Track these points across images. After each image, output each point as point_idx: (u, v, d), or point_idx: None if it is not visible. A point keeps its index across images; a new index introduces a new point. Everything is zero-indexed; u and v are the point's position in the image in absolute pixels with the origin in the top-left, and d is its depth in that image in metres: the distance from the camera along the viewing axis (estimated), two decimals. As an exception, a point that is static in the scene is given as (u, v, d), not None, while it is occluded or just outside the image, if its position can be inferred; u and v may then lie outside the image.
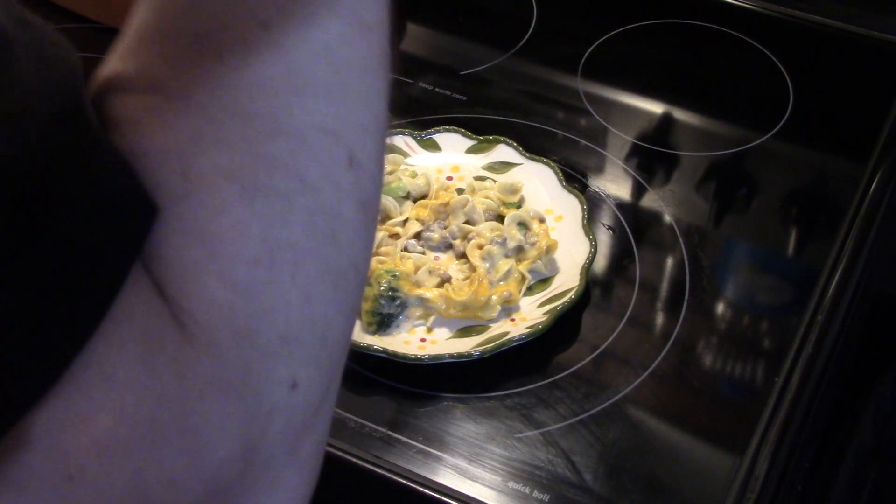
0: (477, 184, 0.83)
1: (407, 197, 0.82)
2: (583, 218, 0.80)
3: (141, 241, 0.32)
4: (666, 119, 0.95)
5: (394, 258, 0.76)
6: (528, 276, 0.77)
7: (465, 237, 0.79)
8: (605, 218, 0.84)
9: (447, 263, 0.78)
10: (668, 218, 0.84)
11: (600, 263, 0.81)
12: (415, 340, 0.74)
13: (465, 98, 0.96)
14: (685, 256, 0.81)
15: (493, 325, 0.75)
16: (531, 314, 0.75)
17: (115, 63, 0.34)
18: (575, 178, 0.87)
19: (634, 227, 0.83)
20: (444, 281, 0.76)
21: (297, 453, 0.35)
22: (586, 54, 1.01)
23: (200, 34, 0.33)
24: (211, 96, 0.32)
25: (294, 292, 0.33)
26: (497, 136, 0.88)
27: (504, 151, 0.87)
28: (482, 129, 0.89)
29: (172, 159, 0.32)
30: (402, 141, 0.88)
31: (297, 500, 0.36)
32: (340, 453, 0.67)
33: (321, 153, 0.34)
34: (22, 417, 0.29)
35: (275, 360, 0.33)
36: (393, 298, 0.74)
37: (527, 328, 0.73)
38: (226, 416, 0.32)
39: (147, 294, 0.32)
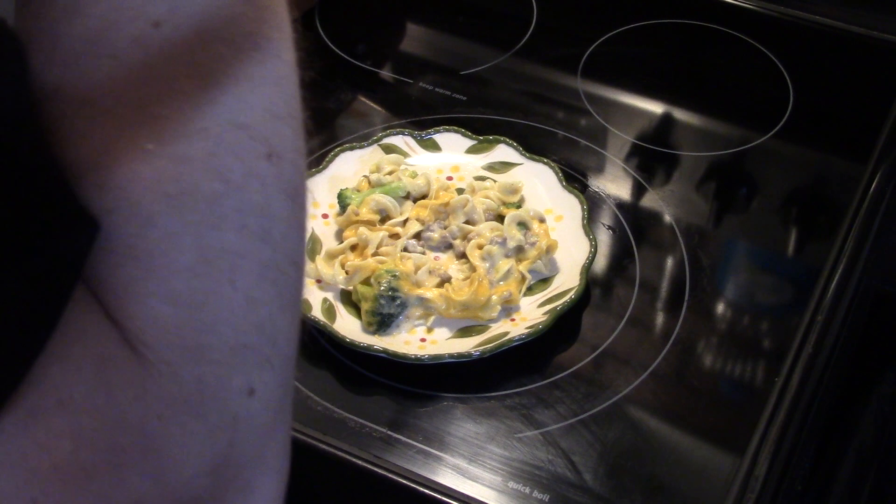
0: (477, 184, 0.83)
1: (407, 197, 0.82)
2: (583, 218, 0.80)
3: (82, 258, 0.31)
4: (666, 119, 0.96)
5: (394, 258, 0.76)
6: (528, 276, 0.77)
7: (465, 237, 0.79)
8: (605, 218, 0.84)
9: (447, 263, 0.78)
10: (668, 218, 0.84)
11: (600, 263, 0.81)
12: (415, 340, 0.74)
13: (465, 98, 0.96)
14: (685, 256, 0.81)
15: (493, 325, 0.75)
16: (531, 314, 0.75)
17: None
18: (575, 178, 0.87)
19: (634, 227, 0.83)
20: (444, 281, 0.76)
21: (263, 457, 0.35)
22: (586, 54, 1.01)
23: (90, 37, 0.31)
24: (116, 102, 0.31)
25: (236, 298, 0.32)
26: (497, 136, 0.88)
27: (504, 151, 0.87)
28: (482, 129, 0.89)
29: (88, 173, 0.31)
30: (402, 141, 0.88)
31: (270, 501, 0.36)
32: (340, 453, 0.67)
33: (238, 149, 0.33)
34: None
35: (229, 370, 0.32)
36: (393, 298, 0.74)
37: (527, 328, 0.73)
38: (188, 434, 0.32)
39: (97, 316, 0.31)
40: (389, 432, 0.69)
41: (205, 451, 0.32)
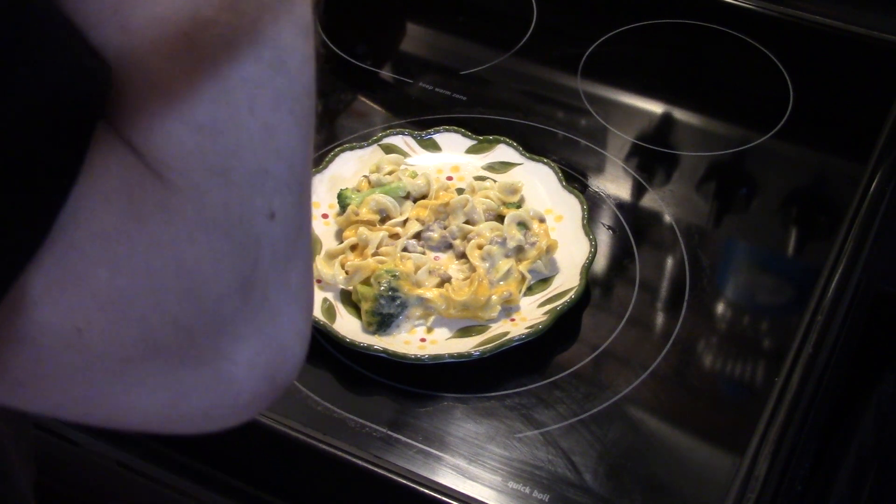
0: (477, 184, 0.83)
1: (407, 197, 0.82)
2: (583, 218, 0.80)
3: (100, 97, 0.33)
4: (666, 119, 0.96)
5: (394, 258, 0.76)
6: (529, 276, 0.77)
7: (465, 237, 0.79)
8: (605, 218, 0.84)
9: (447, 263, 0.78)
10: (668, 218, 0.84)
11: (600, 263, 0.81)
12: (415, 340, 0.74)
13: (465, 98, 0.96)
14: (685, 256, 0.81)
15: (493, 325, 0.75)
16: (531, 314, 0.75)
17: None
18: (575, 178, 0.87)
19: (634, 227, 0.83)
20: (444, 281, 0.76)
21: (287, 282, 0.37)
22: (586, 54, 1.01)
23: None
24: None
25: (255, 125, 0.35)
26: (497, 136, 0.88)
27: (504, 151, 0.87)
28: (482, 129, 0.89)
29: (109, 16, 0.33)
30: (402, 141, 0.88)
31: (297, 328, 0.38)
32: (340, 453, 0.67)
33: None
34: (18, 276, 0.31)
35: (251, 192, 0.35)
36: (393, 298, 0.74)
37: (527, 328, 0.73)
38: (217, 252, 0.34)
39: (120, 151, 0.33)
40: (389, 432, 0.69)
41: (233, 268, 0.34)
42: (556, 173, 0.84)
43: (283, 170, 0.36)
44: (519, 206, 0.82)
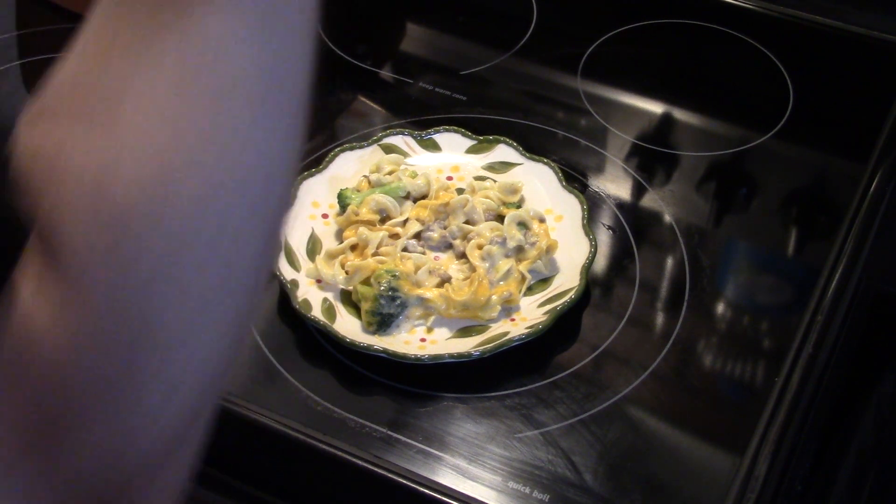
0: (477, 184, 0.83)
1: (407, 197, 0.82)
2: (583, 218, 0.80)
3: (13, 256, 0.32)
4: (666, 119, 0.95)
5: (394, 258, 0.76)
6: (529, 276, 0.77)
7: (465, 237, 0.79)
8: (605, 218, 0.84)
9: (447, 263, 0.78)
10: (668, 218, 0.84)
11: (600, 263, 0.81)
12: (415, 340, 0.74)
13: (465, 98, 0.96)
14: (685, 256, 0.81)
15: (493, 325, 0.75)
16: (531, 314, 0.75)
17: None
18: (575, 178, 0.87)
19: (634, 227, 0.83)
20: (444, 281, 0.76)
21: (156, 480, 0.35)
22: (586, 54, 1.01)
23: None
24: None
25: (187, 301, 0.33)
26: (497, 136, 0.88)
27: (504, 151, 0.87)
28: (482, 129, 0.89)
29: (100, 182, 0.31)
30: (402, 141, 0.88)
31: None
32: (340, 453, 0.67)
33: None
34: None
35: (142, 367, 0.32)
36: (393, 298, 0.74)
37: (527, 328, 0.73)
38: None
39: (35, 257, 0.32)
40: (389, 432, 0.69)
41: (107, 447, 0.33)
42: (556, 173, 0.84)
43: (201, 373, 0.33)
44: (519, 206, 0.82)
